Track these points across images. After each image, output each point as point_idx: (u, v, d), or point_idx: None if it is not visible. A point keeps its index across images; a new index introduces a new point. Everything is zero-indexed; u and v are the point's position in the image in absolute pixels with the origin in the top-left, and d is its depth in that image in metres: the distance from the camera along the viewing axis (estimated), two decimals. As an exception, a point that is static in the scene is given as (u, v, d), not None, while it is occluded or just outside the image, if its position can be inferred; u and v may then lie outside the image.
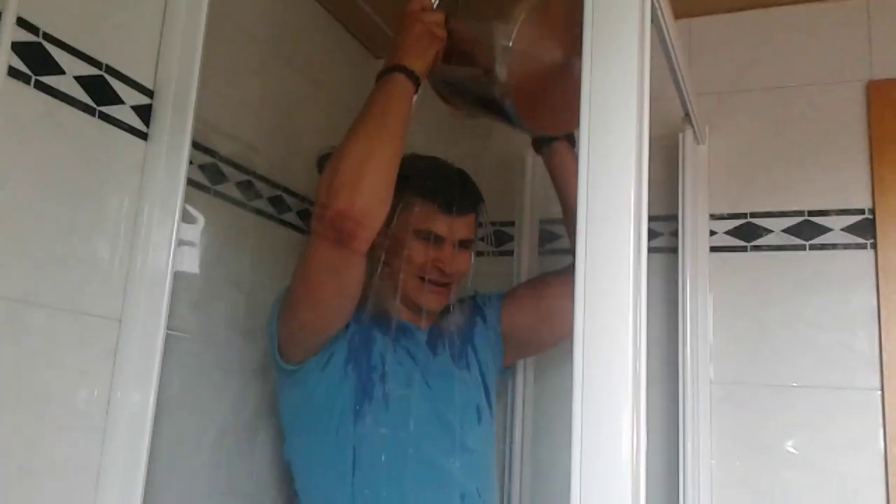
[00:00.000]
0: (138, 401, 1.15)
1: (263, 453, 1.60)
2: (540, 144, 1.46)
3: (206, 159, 1.46)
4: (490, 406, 1.49)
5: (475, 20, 1.31)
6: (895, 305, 1.53)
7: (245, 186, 1.57)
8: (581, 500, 0.75)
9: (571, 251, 1.34)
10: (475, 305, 1.56)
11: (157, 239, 1.19)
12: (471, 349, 1.50)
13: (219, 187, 1.49)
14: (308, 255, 1.22)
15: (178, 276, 1.35)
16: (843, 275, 1.59)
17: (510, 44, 1.21)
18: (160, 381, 1.16)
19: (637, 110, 0.84)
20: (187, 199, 1.37)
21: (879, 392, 1.51)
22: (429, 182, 1.40)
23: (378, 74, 1.23)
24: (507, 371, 1.64)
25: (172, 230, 1.19)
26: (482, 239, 1.54)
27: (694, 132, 1.63)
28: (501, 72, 1.22)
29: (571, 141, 1.43)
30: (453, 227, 1.39)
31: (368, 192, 1.14)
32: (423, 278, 1.39)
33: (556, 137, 1.42)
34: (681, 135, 1.62)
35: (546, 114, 1.33)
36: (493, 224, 1.90)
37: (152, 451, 1.14)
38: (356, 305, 1.32)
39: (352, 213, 1.13)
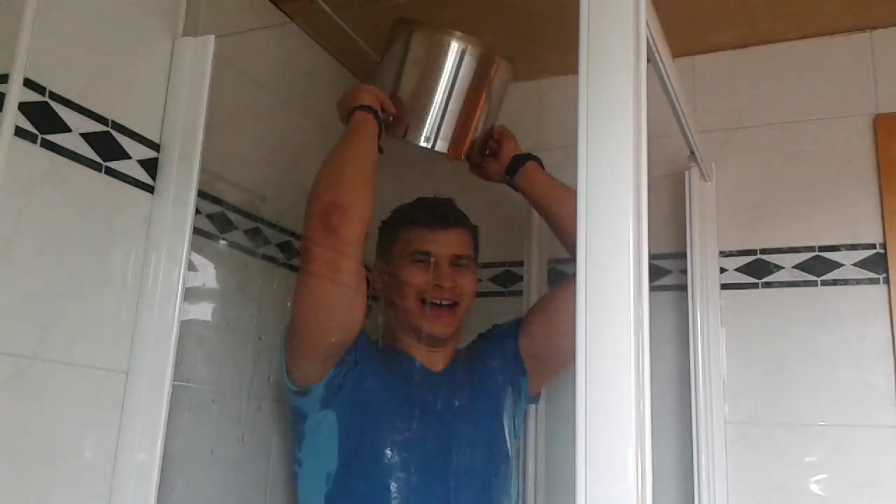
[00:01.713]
0: (145, 452, 1.15)
1: (275, 499, 1.59)
2: (510, 175, 1.49)
3: (214, 208, 1.47)
4: (508, 454, 1.45)
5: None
6: (910, 341, 1.51)
7: (253, 234, 1.58)
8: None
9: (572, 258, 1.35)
10: (492, 339, 1.56)
11: (163, 290, 1.21)
12: (488, 390, 1.48)
13: (227, 235, 1.51)
14: (302, 258, 1.30)
15: (187, 325, 1.36)
16: (857, 310, 1.56)
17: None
18: (168, 433, 1.16)
19: (633, 150, 0.83)
20: (196, 248, 1.40)
21: (897, 430, 1.49)
22: (410, 209, 1.50)
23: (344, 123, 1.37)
24: (535, 399, 1.61)
25: (179, 281, 1.21)
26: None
27: (700, 169, 1.62)
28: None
29: (538, 161, 1.49)
30: (442, 242, 1.43)
31: (347, 185, 1.23)
32: (424, 302, 1.41)
33: (523, 161, 1.47)
34: (687, 172, 1.62)
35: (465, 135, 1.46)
36: (502, 265, 1.91)
37: (161, 501, 1.15)
38: (360, 315, 1.33)
39: (335, 204, 1.21)
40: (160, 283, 1.21)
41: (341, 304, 1.28)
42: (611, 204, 0.83)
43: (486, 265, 1.93)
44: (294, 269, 1.69)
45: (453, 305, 1.44)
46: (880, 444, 1.50)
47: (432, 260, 1.42)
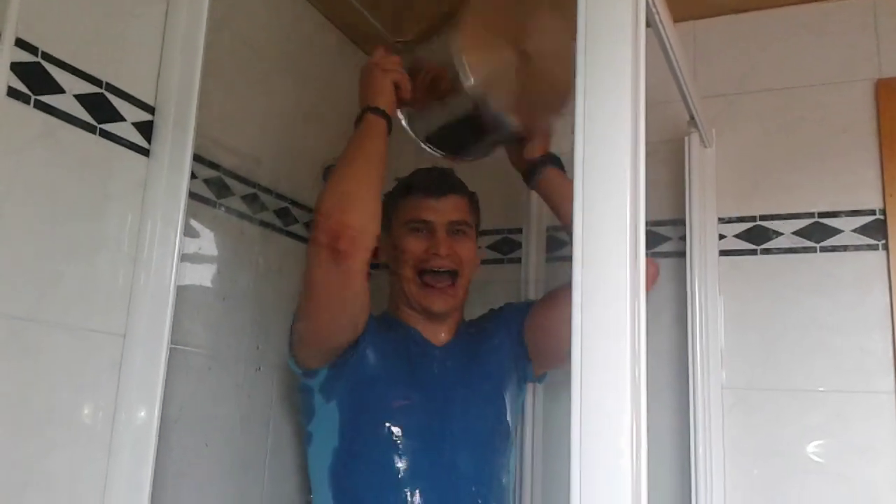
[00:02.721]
0: (143, 415, 1.15)
1: (274, 465, 1.60)
2: (529, 177, 1.45)
3: (211, 173, 1.46)
4: (508, 430, 1.45)
5: (430, 47, 1.39)
6: (909, 307, 1.51)
7: (251, 199, 1.57)
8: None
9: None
10: (501, 317, 1.54)
11: (159, 254, 1.20)
12: (491, 368, 1.47)
13: (224, 201, 1.50)
14: (307, 274, 1.27)
15: (184, 290, 1.36)
16: (855, 276, 1.56)
17: (460, 47, 1.28)
18: (167, 396, 1.16)
19: (632, 114, 0.83)
20: (192, 213, 1.39)
21: (895, 395, 1.49)
22: (408, 179, 1.49)
23: (354, 121, 1.32)
24: (541, 379, 1.60)
25: (175, 245, 1.20)
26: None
27: (700, 135, 1.61)
28: (466, 78, 1.28)
29: (560, 164, 1.44)
30: (438, 209, 1.42)
31: (356, 210, 1.20)
32: (423, 273, 1.40)
33: (543, 165, 1.42)
34: (686, 138, 1.61)
35: (525, 104, 1.36)
36: (500, 232, 1.91)
37: (159, 464, 1.15)
38: (364, 318, 1.33)
39: (344, 230, 1.18)
40: (156, 248, 1.20)
41: (345, 313, 1.29)
42: (608, 169, 0.82)
43: (485, 232, 1.92)
44: (292, 235, 1.69)
45: (453, 275, 1.42)
46: (878, 409, 1.51)
47: (430, 227, 1.42)
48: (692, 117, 1.56)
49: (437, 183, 1.45)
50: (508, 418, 1.44)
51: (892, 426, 1.49)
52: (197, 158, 1.41)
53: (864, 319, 1.54)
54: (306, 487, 1.52)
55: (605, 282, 0.79)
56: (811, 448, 1.54)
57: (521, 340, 1.50)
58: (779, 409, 1.57)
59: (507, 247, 1.89)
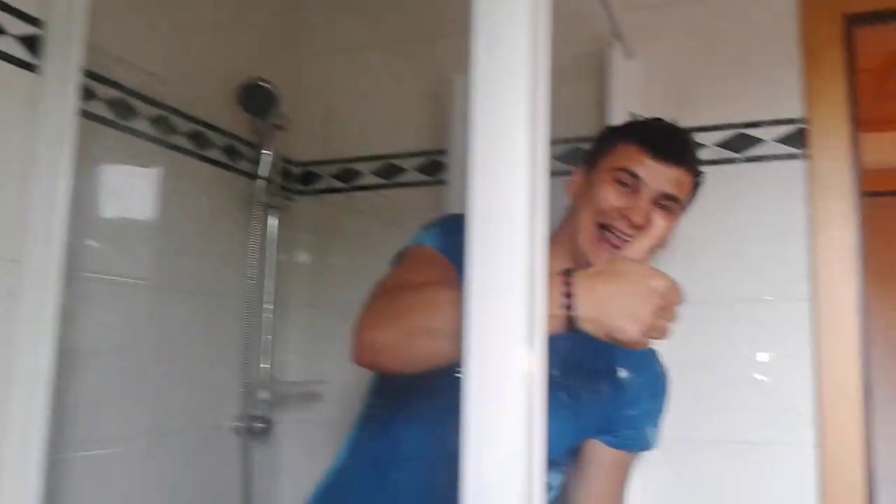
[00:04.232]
0: (43, 344, 1.11)
1: (194, 386, 1.58)
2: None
3: (113, 93, 1.40)
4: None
5: None
6: (826, 215, 1.52)
7: (160, 122, 1.51)
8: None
9: None
10: (640, 364, 1.28)
11: (49, 176, 1.14)
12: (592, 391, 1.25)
13: (129, 123, 1.43)
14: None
15: (90, 216, 1.31)
16: (776, 186, 1.56)
17: None
18: (79, 324, 1.13)
19: (530, 24, 0.76)
20: (94, 135, 1.33)
21: (810, 302, 1.51)
22: (644, 126, 1.27)
23: None
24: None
25: (67, 167, 1.14)
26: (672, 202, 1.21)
27: (623, 47, 1.58)
28: None
29: None
30: (659, 174, 1.17)
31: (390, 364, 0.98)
32: (605, 228, 1.17)
33: None
34: (608, 50, 1.58)
35: None
36: (423, 154, 1.87)
37: (72, 394, 1.12)
38: None
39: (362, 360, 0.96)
40: (45, 169, 1.14)
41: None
42: (505, 82, 0.76)
43: (411, 154, 1.89)
44: (207, 160, 1.63)
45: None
46: (795, 315, 1.53)
47: (638, 187, 1.18)
48: (614, 29, 1.53)
49: (675, 148, 1.21)
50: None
51: (808, 332, 1.51)
52: (95, 77, 1.34)
53: (783, 228, 1.55)
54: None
55: (505, 204, 0.73)
56: (732, 355, 1.56)
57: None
58: (703, 319, 1.57)
59: (431, 169, 1.86)
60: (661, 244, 1.14)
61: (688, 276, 1.58)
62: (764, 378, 1.54)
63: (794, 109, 1.57)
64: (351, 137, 1.96)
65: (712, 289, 1.59)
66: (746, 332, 1.56)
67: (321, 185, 1.97)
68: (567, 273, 0.85)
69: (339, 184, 1.96)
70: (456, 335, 0.79)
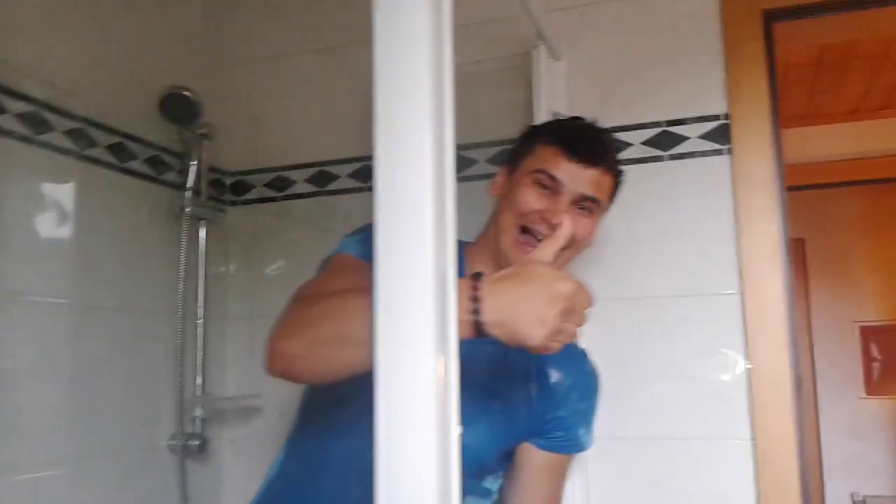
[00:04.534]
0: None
1: (127, 408, 1.54)
2: None
3: (24, 107, 1.36)
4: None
5: None
6: (751, 209, 1.53)
7: (76, 134, 1.47)
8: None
9: None
10: (569, 366, 1.27)
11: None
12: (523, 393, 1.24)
13: (42, 137, 1.39)
14: None
15: (8, 234, 1.27)
16: (702, 182, 1.58)
17: None
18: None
19: (432, 29, 0.74)
20: (3, 151, 1.29)
21: (739, 295, 1.52)
22: (563, 126, 1.26)
23: None
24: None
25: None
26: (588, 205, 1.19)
27: (548, 48, 1.58)
28: None
29: None
30: (578, 176, 1.16)
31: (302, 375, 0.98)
32: (525, 230, 1.16)
33: None
34: (534, 52, 1.58)
35: None
36: (356, 160, 1.85)
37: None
38: None
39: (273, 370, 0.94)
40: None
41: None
42: (407, 85, 0.74)
43: (344, 160, 1.88)
44: (130, 172, 1.60)
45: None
46: (725, 310, 1.54)
47: (557, 189, 1.16)
48: (537, 31, 1.53)
49: (593, 150, 1.19)
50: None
51: (738, 325, 1.52)
52: (3, 90, 1.30)
53: (709, 224, 1.56)
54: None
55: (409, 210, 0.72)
56: (661, 349, 1.57)
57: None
58: (630, 316, 1.59)
59: (368, 175, 1.84)
60: (581, 245, 1.19)
61: (618, 274, 1.61)
62: (699, 374, 1.55)
63: (717, 106, 1.59)
64: (282, 145, 1.94)
65: (644, 286, 1.60)
66: (679, 327, 1.57)
67: (254, 194, 1.94)
68: (476, 277, 0.84)
69: (271, 192, 1.93)
70: (367, 343, 0.78)
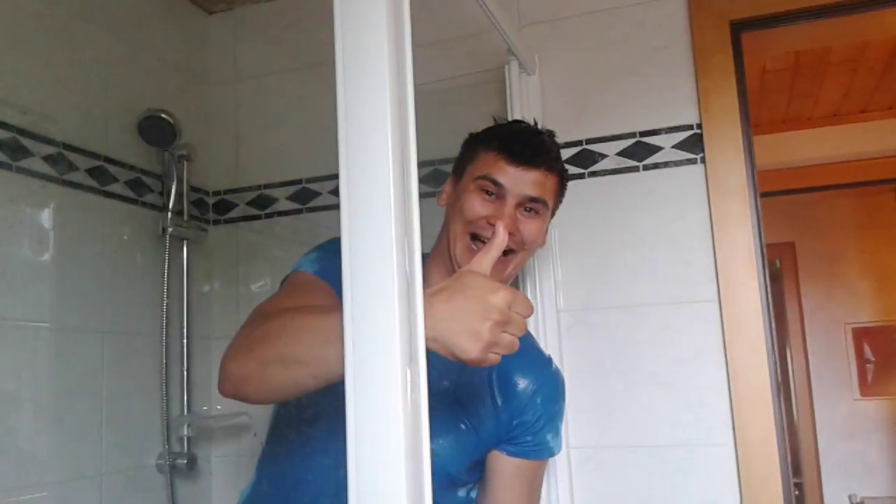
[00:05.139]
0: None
1: (111, 432, 1.55)
2: None
3: (2, 134, 1.37)
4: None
5: None
6: (725, 217, 1.55)
7: (55, 159, 1.48)
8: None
9: None
10: (532, 371, 1.27)
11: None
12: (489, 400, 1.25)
13: (19, 163, 1.41)
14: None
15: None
16: (677, 192, 1.59)
17: None
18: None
19: (391, 54, 0.76)
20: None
21: (717, 303, 1.54)
22: (502, 130, 1.27)
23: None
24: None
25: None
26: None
27: (519, 63, 1.60)
28: None
29: None
30: (520, 179, 1.18)
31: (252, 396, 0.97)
32: (475, 238, 1.18)
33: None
34: (506, 67, 1.60)
35: None
36: (336, 177, 1.86)
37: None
38: None
39: (225, 392, 0.96)
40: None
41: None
42: (369, 101, 0.76)
43: (325, 177, 1.89)
44: (112, 195, 1.61)
45: (506, 251, 1.17)
46: (704, 317, 1.55)
47: (501, 194, 1.18)
48: (508, 46, 1.55)
49: (533, 152, 1.20)
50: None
51: (717, 332, 1.54)
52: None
53: (686, 232, 1.58)
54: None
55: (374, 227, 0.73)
56: (646, 359, 1.58)
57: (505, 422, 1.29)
58: (613, 325, 1.60)
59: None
60: (532, 246, 1.22)
61: (598, 284, 1.62)
62: (680, 381, 1.56)
63: (689, 116, 1.61)
64: (263, 163, 1.96)
65: (623, 295, 1.61)
66: (660, 335, 1.58)
67: (236, 213, 1.96)
68: None
69: (254, 211, 1.95)
70: (315, 362, 0.79)
